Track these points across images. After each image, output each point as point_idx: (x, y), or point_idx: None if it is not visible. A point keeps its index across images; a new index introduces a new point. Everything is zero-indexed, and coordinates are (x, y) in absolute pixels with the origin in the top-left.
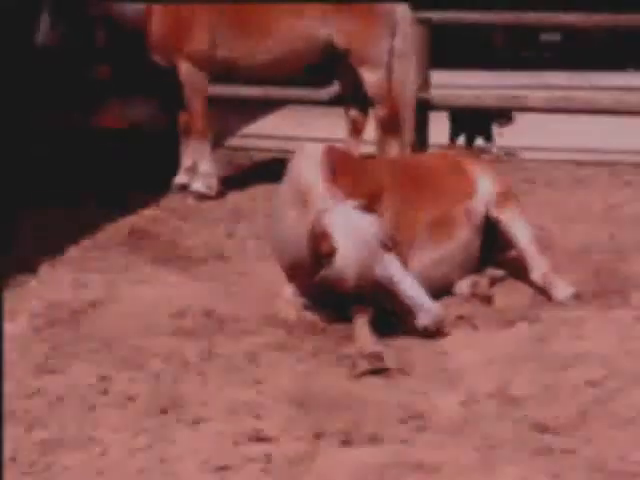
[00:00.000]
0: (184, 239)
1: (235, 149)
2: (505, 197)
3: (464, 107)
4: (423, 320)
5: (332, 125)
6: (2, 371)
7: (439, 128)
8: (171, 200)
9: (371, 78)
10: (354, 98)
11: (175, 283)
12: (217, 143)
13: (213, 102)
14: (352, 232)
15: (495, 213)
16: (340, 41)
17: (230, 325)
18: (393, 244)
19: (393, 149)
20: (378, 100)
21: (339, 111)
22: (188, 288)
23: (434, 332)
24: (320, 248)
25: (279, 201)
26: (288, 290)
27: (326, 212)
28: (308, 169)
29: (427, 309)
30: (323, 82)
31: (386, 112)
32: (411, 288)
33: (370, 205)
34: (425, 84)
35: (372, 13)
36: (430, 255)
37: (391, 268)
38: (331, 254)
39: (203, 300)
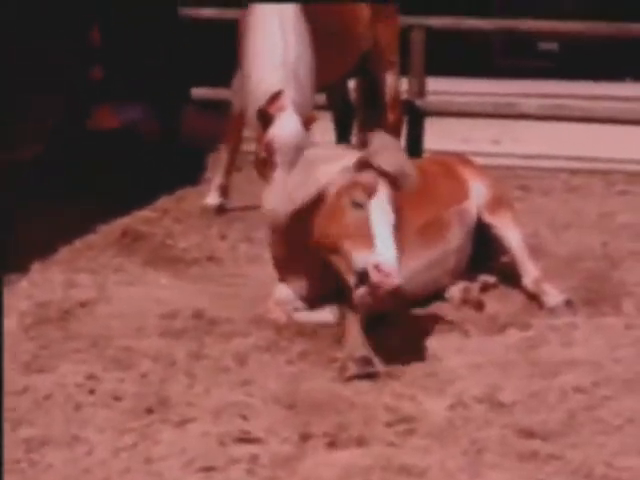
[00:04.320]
0: (176, 241)
1: None
2: (498, 202)
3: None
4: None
5: (324, 130)
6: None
7: (434, 134)
8: (164, 202)
9: (393, 82)
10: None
11: (166, 284)
12: (213, 147)
13: (210, 106)
14: None
15: (488, 218)
16: (378, 45)
17: (220, 326)
18: None
19: None
20: (392, 104)
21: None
22: (179, 289)
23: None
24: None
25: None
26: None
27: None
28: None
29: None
30: None
31: (396, 117)
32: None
33: None
34: (421, 91)
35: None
36: (422, 258)
37: None
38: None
39: (193, 301)
